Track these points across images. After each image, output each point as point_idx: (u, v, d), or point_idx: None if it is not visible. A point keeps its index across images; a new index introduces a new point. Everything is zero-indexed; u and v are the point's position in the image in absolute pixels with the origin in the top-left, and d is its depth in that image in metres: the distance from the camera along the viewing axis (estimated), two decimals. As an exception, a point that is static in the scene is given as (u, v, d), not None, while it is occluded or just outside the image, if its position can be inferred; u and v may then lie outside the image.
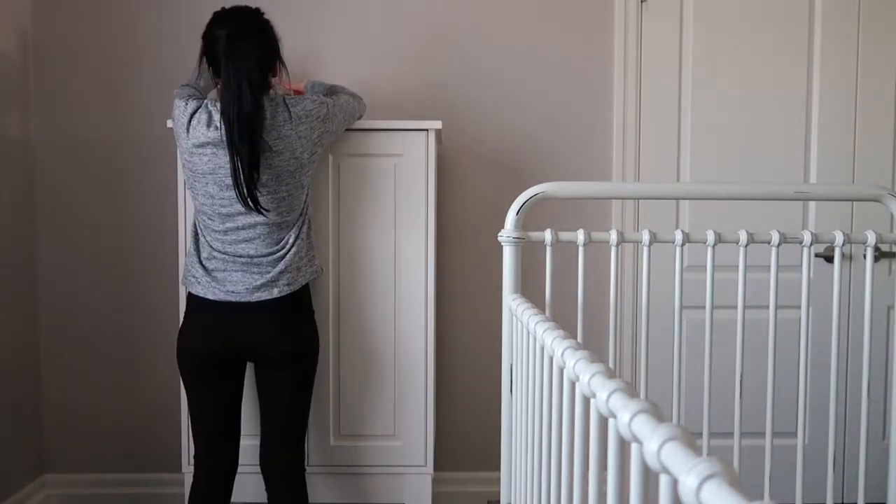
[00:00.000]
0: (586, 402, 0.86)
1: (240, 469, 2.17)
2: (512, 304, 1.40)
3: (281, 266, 1.78)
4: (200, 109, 1.75)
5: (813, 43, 2.45)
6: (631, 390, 0.71)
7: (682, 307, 1.57)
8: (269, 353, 1.80)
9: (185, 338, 1.84)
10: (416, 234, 2.13)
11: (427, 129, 2.11)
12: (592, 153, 2.48)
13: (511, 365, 1.45)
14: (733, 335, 1.57)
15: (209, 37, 1.78)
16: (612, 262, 1.52)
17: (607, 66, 2.46)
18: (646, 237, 1.50)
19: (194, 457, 1.91)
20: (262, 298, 1.76)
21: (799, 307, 1.58)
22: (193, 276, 1.80)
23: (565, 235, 1.50)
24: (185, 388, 1.88)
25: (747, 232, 1.50)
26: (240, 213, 1.74)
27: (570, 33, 2.46)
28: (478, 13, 2.45)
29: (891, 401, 1.59)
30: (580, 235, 1.49)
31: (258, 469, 2.01)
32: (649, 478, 0.68)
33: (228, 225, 1.76)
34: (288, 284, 1.79)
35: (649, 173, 2.46)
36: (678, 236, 1.50)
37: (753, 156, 2.46)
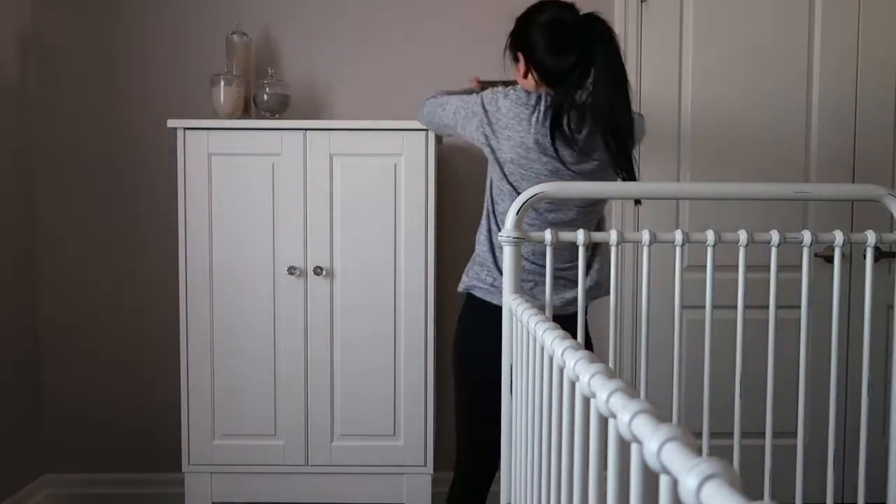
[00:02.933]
0: (586, 402, 0.86)
1: (245, 469, 2.18)
2: (512, 304, 1.40)
3: (590, 280, 1.66)
4: (542, 104, 1.59)
5: (813, 43, 2.45)
6: (631, 390, 0.71)
7: (682, 307, 1.56)
8: None
9: (484, 350, 1.63)
10: (416, 234, 2.13)
11: (427, 129, 2.11)
12: (592, 153, 2.47)
13: (511, 365, 1.45)
14: (733, 335, 1.57)
15: (540, 31, 1.59)
16: (613, 262, 1.52)
17: (607, 66, 2.46)
18: (646, 237, 1.50)
19: (461, 457, 1.81)
20: (572, 312, 1.58)
21: (799, 307, 1.58)
22: (494, 287, 1.66)
23: (565, 235, 1.50)
24: (465, 395, 1.76)
25: (747, 232, 1.50)
26: (563, 222, 1.62)
27: (570, 33, 2.46)
28: (478, 13, 2.45)
29: (891, 401, 1.59)
30: (580, 235, 1.49)
31: (265, 469, 2.02)
32: (649, 478, 0.68)
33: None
34: (604, 295, 1.65)
35: (649, 173, 2.46)
36: (678, 236, 1.50)
37: (753, 156, 2.46)
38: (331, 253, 2.14)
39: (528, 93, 1.63)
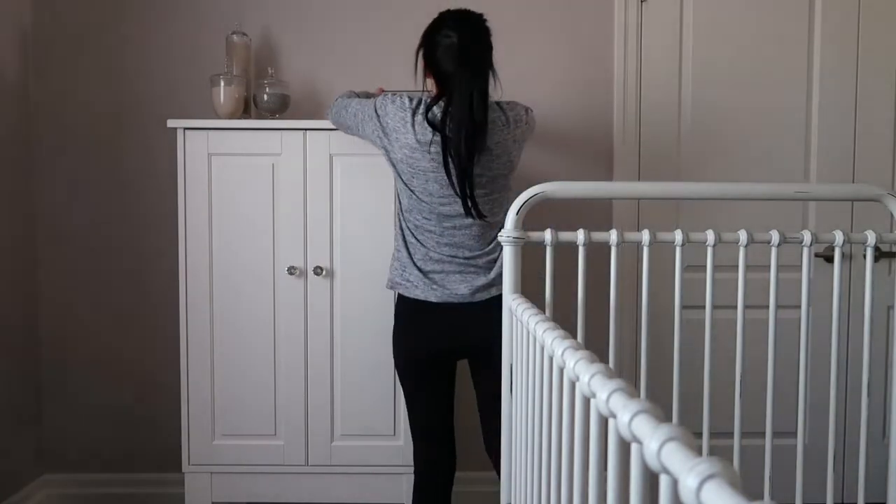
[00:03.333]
0: (586, 402, 0.86)
1: (245, 469, 2.18)
2: (512, 304, 1.40)
3: (497, 266, 1.79)
4: (422, 107, 1.74)
5: (813, 43, 2.45)
6: (631, 390, 0.71)
7: (682, 307, 1.57)
8: (494, 351, 1.62)
9: (407, 341, 1.85)
10: (416, 234, 2.13)
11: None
12: (592, 153, 2.47)
13: (511, 365, 1.45)
14: (733, 335, 1.57)
15: (436, 37, 1.75)
16: (612, 262, 1.52)
17: (607, 66, 2.46)
18: (646, 237, 1.50)
19: (414, 457, 1.94)
20: (483, 298, 1.77)
21: (799, 307, 1.58)
22: (408, 281, 1.81)
23: (565, 235, 1.50)
24: (405, 389, 1.90)
25: (747, 232, 1.50)
26: (458, 214, 1.75)
27: (570, 33, 2.46)
28: (478, 13, 2.45)
29: (891, 401, 1.59)
30: (580, 235, 1.49)
31: (265, 469, 2.01)
32: (649, 478, 0.68)
33: (446, 224, 1.77)
34: (501, 284, 1.77)
35: (649, 173, 2.46)
36: (678, 236, 1.50)
37: (753, 156, 2.46)
38: (331, 253, 2.13)
39: (410, 98, 1.76)
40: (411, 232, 1.81)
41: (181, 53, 2.44)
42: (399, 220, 1.86)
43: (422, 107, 1.74)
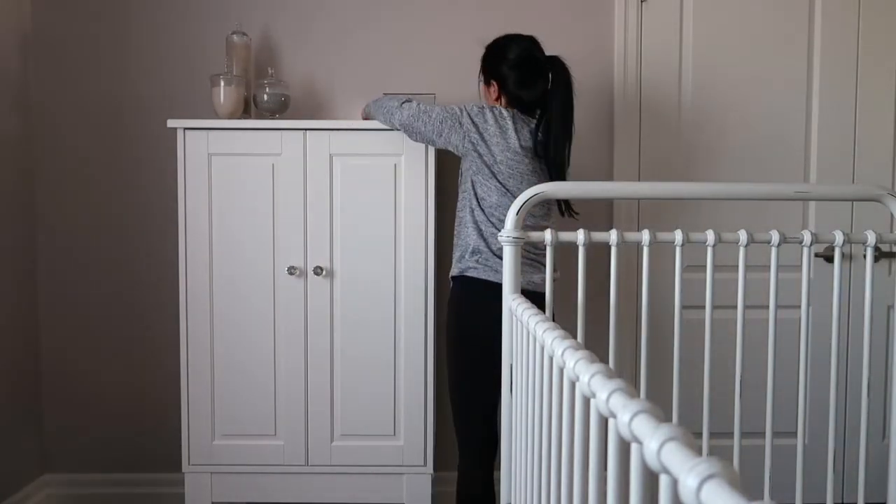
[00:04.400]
0: (586, 402, 0.86)
1: (245, 469, 2.18)
2: (512, 304, 1.41)
3: (542, 260, 1.90)
4: (517, 118, 1.93)
5: (813, 43, 2.45)
6: (631, 390, 0.71)
7: (682, 307, 1.57)
8: None
9: (478, 318, 1.88)
10: (416, 234, 2.13)
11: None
12: (592, 153, 2.47)
13: (511, 365, 1.45)
14: (733, 335, 1.57)
15: (533, 58, 1.95)
16: (613, 262, 1.52)
17: (607, 65, 2.46)
18: (646, 237, 1.50)
19: (468, 441, 1.96)
20: (542, 290, 1.79)
21: (799, 307, 1.58)
22: (487, 265, 1.91)
23: (565, 235, 1.50)
24: (465, 367, 1.94)
25: (747, 232, 1.50)
26: (540, 214, 1.93)
27: (570, 33, 2.46)
28: (478, 14, 2.45)
29: (891, 401, 1.59)
30: (580, 235, 1.49)
31: (265, 469, 2.01)
32: (649, 478, 0.68)
33: (528, 222, 1.82)
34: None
35: (649, 173, 2.46)
36: (678, 236, 1.50)
37: (753, 156, 2.46)
38: (331, 253, 2.13)
39: (505, 109, 1.94)
40: (493, 224, 1.91)
41: (181, 53, 2.44)
42: (474, 214, 1.93)
43: (518, 119, 1.92)
